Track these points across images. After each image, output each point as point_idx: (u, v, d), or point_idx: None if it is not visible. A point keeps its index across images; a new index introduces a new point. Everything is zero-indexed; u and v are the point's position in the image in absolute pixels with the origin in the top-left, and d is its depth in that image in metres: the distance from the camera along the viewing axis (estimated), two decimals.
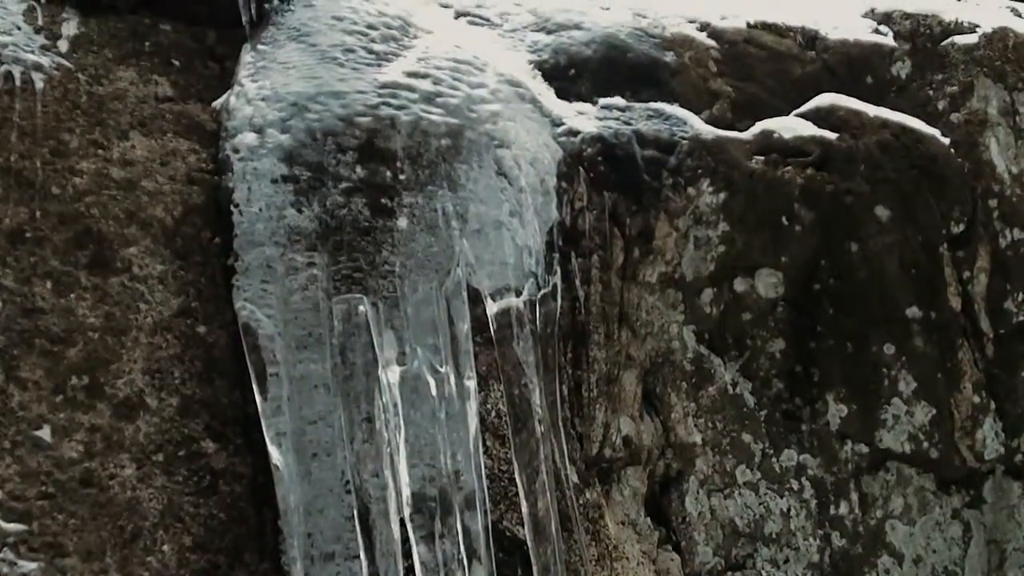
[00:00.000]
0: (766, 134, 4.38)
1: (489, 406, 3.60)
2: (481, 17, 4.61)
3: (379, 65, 3.91)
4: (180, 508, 3.27)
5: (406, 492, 3.36)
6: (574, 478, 3.80)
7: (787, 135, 4.39)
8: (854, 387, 4.34)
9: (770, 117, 4.48)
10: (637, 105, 4.30)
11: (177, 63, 3.82)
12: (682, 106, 4.36)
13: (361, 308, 3.45)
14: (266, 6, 4.06)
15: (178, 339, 3.40)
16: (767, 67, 4.72)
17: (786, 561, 4.22)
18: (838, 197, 4.36)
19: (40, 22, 3.67)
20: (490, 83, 4.02)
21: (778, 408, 4.28)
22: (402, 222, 3.58)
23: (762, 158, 4.31)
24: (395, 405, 3.41)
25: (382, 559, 3.29)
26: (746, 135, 4.37)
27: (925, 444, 4.41)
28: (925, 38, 4.91)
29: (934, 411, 4.42)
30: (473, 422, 3.49)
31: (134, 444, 3.26)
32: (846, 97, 4.60)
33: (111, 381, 3.28)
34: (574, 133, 4.10)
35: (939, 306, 4.47)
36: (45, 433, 3.17)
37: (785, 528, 4.23)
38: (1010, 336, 4.60)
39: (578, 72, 4.38)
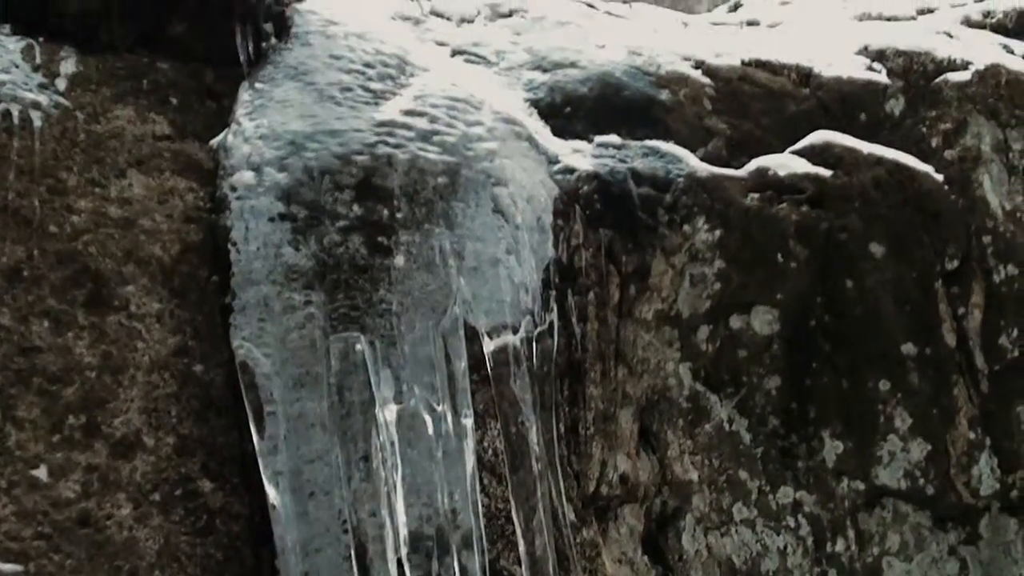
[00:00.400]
0: (761, 171, 4.40)
1: (486, 444, 3.59)
2: (477, 55, 4.64)
3: (376, 103, 3.93)
4: (177, 548, 3.25)
5: (403, 531, 3.35)
6: (571, 516, 3.79)
7: (782, 172, 4.41)
8: (850, 424, 4.34)
9: (765, 154, 4.50)
10: (633, 143, 4.32)
11: (175, 101, 3.83)
12: (677, 143, 4.39)
13: (358, 346, 3.45)
14: (264, 45, 4.09)
15: (175, 378, 3.39)
16: (762, 104, 4.75)
17: None
18: (833, 234, 4.38)
19: (38, 60, 3.68)
20: (486, 121, 4.04)
21: (774, 445, 4.28)
22: (399, 260, 3.59)
23: (757, 195, 4.32)
24: (392, 444, 3.40)
25: None
26: (741, 172, 4.39)
27: (921, 481, 4.41)
28: (918, 75, 4.95)
29: (930, 447, 4.42)
30: (470, 460, 3.48)
31: (131, 484, 3.24)
32: (840, 134, 4.63)
33: (108, 420, 3.27)
34: (570, 171, 4.12)
35: (934, 342, 4.48)
36: (42, 473, 3.15)
37: (782, 566, 4.22)
38: (1005, 372, 4.61)
39: (574, 110, 4.40)
